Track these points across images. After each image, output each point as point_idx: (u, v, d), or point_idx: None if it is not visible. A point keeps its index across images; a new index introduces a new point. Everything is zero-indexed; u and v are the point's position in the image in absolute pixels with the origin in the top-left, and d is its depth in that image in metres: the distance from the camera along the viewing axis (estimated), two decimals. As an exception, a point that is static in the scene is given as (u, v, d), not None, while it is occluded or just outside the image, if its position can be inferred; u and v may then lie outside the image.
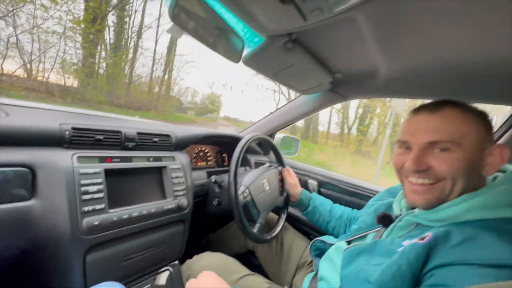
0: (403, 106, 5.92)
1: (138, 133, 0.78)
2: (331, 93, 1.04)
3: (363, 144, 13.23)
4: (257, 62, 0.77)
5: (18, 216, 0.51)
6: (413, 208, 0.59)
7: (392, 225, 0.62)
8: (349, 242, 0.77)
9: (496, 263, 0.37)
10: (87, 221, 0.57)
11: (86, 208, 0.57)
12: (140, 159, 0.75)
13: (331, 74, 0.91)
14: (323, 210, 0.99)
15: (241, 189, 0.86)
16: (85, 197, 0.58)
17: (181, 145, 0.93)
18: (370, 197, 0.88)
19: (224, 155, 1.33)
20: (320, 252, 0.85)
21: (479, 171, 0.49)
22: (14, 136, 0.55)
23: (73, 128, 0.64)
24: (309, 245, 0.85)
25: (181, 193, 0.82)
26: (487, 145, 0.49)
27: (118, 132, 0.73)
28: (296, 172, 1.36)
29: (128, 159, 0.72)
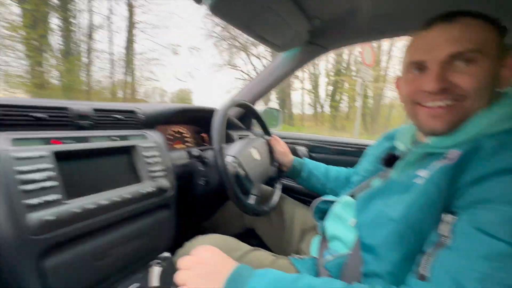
0: (370, 76, 6.11)
1: (95, 110, 0.64)
2: (310, 46, 0.96)
3: (337, 119, 13.67)
4: (227, 7, 0.66)
5: None
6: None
7: (400, 162, 0.57)
8: (353, 196, 0.71)
9: None
10: (36, 216, 0.43)
11: (32, 201, 0.44)
12: (100, 139, 0.61)
13: (309, 21, 0.83)
14: (319, 174, 0.94)
15: (228, 159, 0.76)
16: (28, 187, 0.44)
17: (152, 122, 0.80)
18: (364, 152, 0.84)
19: (202, 135, 1.21)
20: (323, 214, 0.79)
21: (496, 83, 0.43)
22: None
23: (1, 106, 0.48)
24: (312, 208, 0.79)
25: (159, 174, 0.69)
26: (502, 55, 0.43)
27: (64, 108, 0.58)
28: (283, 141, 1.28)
29: (84, 139, 0.58)
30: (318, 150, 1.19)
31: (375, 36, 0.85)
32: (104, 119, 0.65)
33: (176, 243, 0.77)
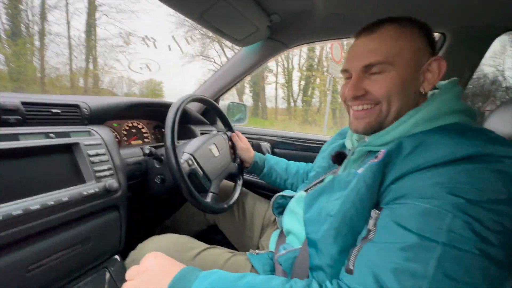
0: (339, 72, 6.35)
1: (24, 103, 0.57)
2: (271, 42, 0.96)
3: (309, 114, 14.08)
4: None
5: None
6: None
7: (346, 159, 0.60)
8: (307, 191, 0.74)
9: (448, 159, 0.35)
10: None
11: None
12: (33, 136, 0.55)
13: (268, 16, 0.82)
14: (279, 169, 0.96)
15: (184, 156, 0.74)
16: None
17: (99, 118, 0.74)
18: None
19: (163, 130, 1.15)
20: (282, 208, 0.81)
21: (416, 87, 0.48)
22: None
23: None
24: (271, 203, 0.80)
25: (106, 173, 0.65)
26: (425, 59, 0.48)
27: None
28: (247, 137, 1.28)
29: (12, 137, 0.52)
30: (281, 146, 1.20)
31: (331, 35, 0.87)
32: (37, 114, 0.59)
33: (129, 245, 0.73)
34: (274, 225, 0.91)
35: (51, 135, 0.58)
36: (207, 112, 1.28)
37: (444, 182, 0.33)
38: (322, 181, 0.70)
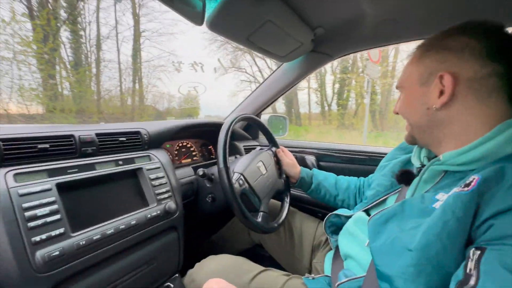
0: (377, 72, 5.99)
1: (98, 135, 0.63)
2: (314, 54, 0.93)
3: (345, 117, 13.46)
4: (224, 22, 0.64)
5: None
6: (435, 156, 0.50)
7: (416, 180, 0.54)
8: (367, 211, 0.68)
9: None
10: (42, 253, 0.43)
11: (37, 238, 0.43)
12: (106, 165, 0.61)
13: (312, 31, 0.80)
14: (328, 185, 0.90)
15: (234, 176, 0.74)
16: (32, 223, 0.43)
17: (156, 141, 0.79)
18: (376, 161, 0.80)
19: (210, 147, 1.20)
20: (335, 228, 0.76)
21: (428, 104, 0.48)
22: None
23: (2, 140, 0.48)
24: (323, 222, 0.76)
25: (166, 195, 0.68)
26: (433, 77, 0.47)
27: (70, 136, 0.58)
28: (290, 151, 1.25)
29: (90, 167, 0.58)
30: (327, 159, 1.15)
31: (380, 42, 0.81)
32: (107, 144, 0.65)
33: (184, 263, 0.76)
34: (326, 245, 0.86)
35: (120, 162, 0.64)
36: (249, 127, 1.29)
37: None
38: (384, 201, 0.64)
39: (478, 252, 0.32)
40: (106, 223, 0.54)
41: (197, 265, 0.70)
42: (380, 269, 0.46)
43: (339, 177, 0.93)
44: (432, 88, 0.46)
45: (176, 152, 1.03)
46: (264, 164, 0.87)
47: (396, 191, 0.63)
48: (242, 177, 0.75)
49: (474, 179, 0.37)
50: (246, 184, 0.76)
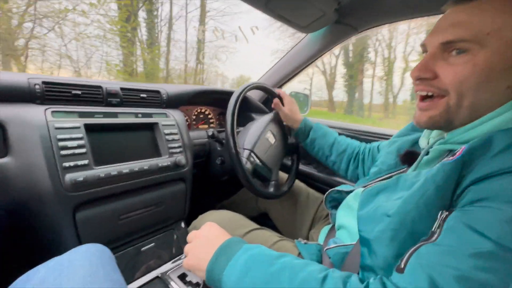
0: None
1: (122, 89, 0.71)
2: (338, 26, 0.89)
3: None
4: None
5: None
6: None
7: (418, 159, 0.52)
8: (366, 188, 0.68)
9: None
10: (70, 177, 0.52)
11: (67, 164, 0.53)
12: (127, 115, 0.69)
13: (336, -1, 0.76)
14: (324, 143, 0.87)
15: (245, 154, 0.77)
16: (64, 152, 0.53)
17: (174, 102, 0.86)
18: None
19: (227, 117, 1.25)
20: (336, 203, 0.77)
21: (509, 80, 0.36)
22: None
23: (44, 83, 0.58)
24: (324, 197, 0.78)
25: (177, 150, 0.76)
26: None
27: (98, 87, 0.66)
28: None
29: (113, 115, 0.66)
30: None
31: (411, 13, 0.74)
32: (130, 98, 0.73)
33: (193, 215, 0.84)
34: (326, 220, 0.88)
35: (139, 115, 0.72)
36: (268, 101, 1.30)
37: None
38: (385, 180, 0.64)
39: (446, 213, 0.33)
40: (123, 163, 0.63)
41: (200, 216, 0.78)
42: (362, 234, 0.47)
43: (340, 137, 0.89)
44: None
45: (194, 117, 1.10)
46: (272, 133, 0.89)
47: (400, 171, 0.61)
48: (252, 154, 0.78)
49: (461, 148, 0.36)
50: (257, 160, 0.79)
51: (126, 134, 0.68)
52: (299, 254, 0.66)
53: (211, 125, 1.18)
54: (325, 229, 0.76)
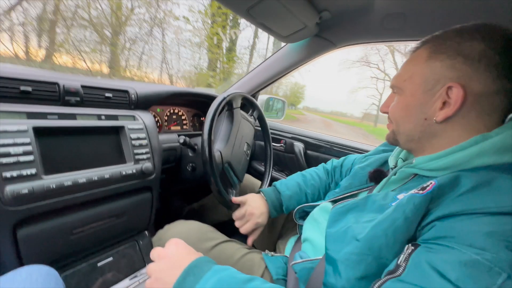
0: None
1: (83, 86, 0.64)
2: (318, 39, 0.90)
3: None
4: None
5: None
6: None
7: (386, 178, 0.55)
8: (335, 202, 0.70)
9: None
10: (11, 188, 0.45)
11: (7, 174, 0.46)
12: (88, 117, 0.62)
13: (317, 13, 0.76)
14: (298, 199, 0.81)
15: (217, 154, 0.75)
16: (5, 160, 0.46)
17: (144, 103, 0.80)
18: None
19: (202, 118, 1.20)
20: (304, 214, 0.79)
21: (427, 115, 0.44)
22: None
23: None
24: (294, 211, 0.78)
25: (144, 156, 0.70)
26: (439, 85, 0.42)
27: (54, 83, 0.59)
28: (281, 135, 1.26)
29: (71, 116, 0.59)
30: (314, 148, 1.16)
31: (386, 36, 0.78)
32: (93, 97, 0.66)
33: (159, 220, 0.80)
34: (293, 230, 0.89)
35: (102, 117, 0.65)
36: (244, 106, 1.28)
37: (504, 234, 0.29)
38: (354, 195, 0.66)
39: (412, 247, 0.34)
40: (79, 172, 0.56)
41: (166, 226, 0.74)
42: (328, 253, 0.48)
43: (304, 176, 0.84)
44: (435, 98, 0.42)
45: (166, 118, 1.04)
46: (247, 143, 0.88)
47: (369, 187, 0.64)
48: (221, 154, 0.76)
49: (431, 183, 0.37)
50: (227, 164, 0.77)
51: (86, 139, 0.61)
52: (266, 267, 0.66)
53: (184, 126, 1.12)
54: (292, 240, 0.76)
